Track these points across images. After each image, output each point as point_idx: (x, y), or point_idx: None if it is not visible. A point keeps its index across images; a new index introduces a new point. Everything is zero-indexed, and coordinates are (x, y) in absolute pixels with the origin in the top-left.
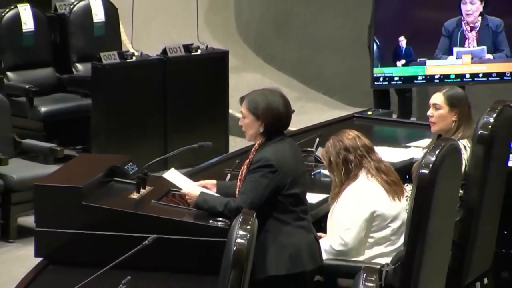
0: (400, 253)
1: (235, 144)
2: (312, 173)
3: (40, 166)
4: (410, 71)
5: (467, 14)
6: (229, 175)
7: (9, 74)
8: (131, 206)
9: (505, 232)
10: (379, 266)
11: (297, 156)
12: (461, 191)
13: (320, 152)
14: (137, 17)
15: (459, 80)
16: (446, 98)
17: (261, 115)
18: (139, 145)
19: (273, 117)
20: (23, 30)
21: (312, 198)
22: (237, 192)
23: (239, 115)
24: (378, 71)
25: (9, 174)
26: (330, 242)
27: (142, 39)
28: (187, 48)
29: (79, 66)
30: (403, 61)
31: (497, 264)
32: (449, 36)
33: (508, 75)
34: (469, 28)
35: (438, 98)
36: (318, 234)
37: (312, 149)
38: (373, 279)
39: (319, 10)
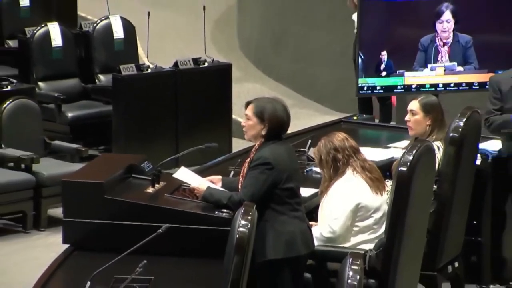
0: (382, 240)
1: (238, 145)
2: (305, 170)
3: (67, 164)
4: (390, 81)
5: (443, 31)
6: (232, 172)
7: (40, 84)
8: (146, 199)
9: (474, 222)
10: (363, 252)
11: (291, 155)
12: (435, 186)
13: (312, 151)
14: (152, 34)
15: (433, 89)
16: (421, 105)
17: (266, 119)
18: (154, 146)
19: (277, 123)
20: (52, 46)
21: (305, 192)
22: (239, 186)
23: (241, 119)
24: (362, 81)
25: (40, 171)
26: (321, 230)
27: (156, 53)
28: (196, 61)
29: (101, 77)
30: (384, 73)
31: (467, 249)
32: (425, 51)
33: (476, 84)
34: (442, 44)
35: (414, 105)
36: (310, 223)
37: (305, 149)
38: (358, 263)
39: (311, 28)
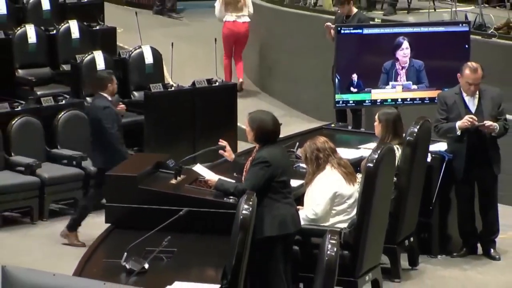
0: (353, 220)
1: (241, 147)
2: (294, 166)
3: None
4: (360, 97)
5: (404, 57)
6: (235, 174)
7: (88, 99)
8: (170, 189)
9: (425, 207)
10: (339, 229)
11: (284, 155)
12: (395, 179)
13: (299, 151)
14: (175, 60)
15: (394, 103)
16: (378, 115)
17: (254, 128)
18: (176, 147)
19: (262, 129)
20: (97, 69)
21: (294, 183)
22: (243, 179)
23: (244, 127)
24: (338, 97)
25: (88, 167)
26: (306, 213)
27: (178, 75)
28: (209, 81)
29: (135, 93)
30: (355, 90)
31: (419, 228)
32: (387, 73)
33: (427, 99)
34: (400, 67)
35: (376, 115)
36: (298, 207)
37: (293, 150)
38: (335, 238)
39: (299, 56)
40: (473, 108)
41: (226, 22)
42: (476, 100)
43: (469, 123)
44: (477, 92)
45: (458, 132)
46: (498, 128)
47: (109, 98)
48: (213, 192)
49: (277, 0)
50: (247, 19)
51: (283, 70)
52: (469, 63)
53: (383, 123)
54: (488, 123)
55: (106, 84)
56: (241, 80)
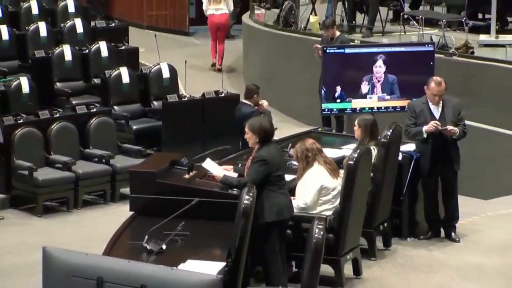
0: (337, 209)
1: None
2: (287, 163)
3: (132, 159)
4: (342, 105)
5: (377, 72)
6: (240, 164)
7: (115, 107)
8: (184, 182)
9: (396, 197)
10: (325, 216)
11: (280, 154)
12: (371, 174)
13: (291, 151)
14: (188, 75)
15: (370, 111)
16: (357, 121)
17: (256, 131)
18: (189, 147)
19: (263, 132)
20: (123, 82)
21: (287, 177)
22: (245, 174)
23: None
24: (324, 106)
25: (115, 164)
26: (297, 203)
27: (190, 87)
28: (216, 92)
29: (155, 102)
30: (338, 100)
31: (392, 215)
32: (365, 85)
33: (399, 108)
34: (376, 81)
35: (356, 121)
36: (291, 197)
37: (287, 150)
38: (322, 223)
39: (292, 72)
40: (437, 115)
41: (209, 15)
42: (440, 108)
43: (434, 127)
44: (441, 102)
45: (425, 135)
46: (458, 132)
47: (252, 106)
48: (219, 185)
49: (273, 25)
50: (225, 11)
51: (278, 83)
52: (434, 78)
53: (362, 127)
54: (449, 127)
55: (252, 94)
56: (215, 60)
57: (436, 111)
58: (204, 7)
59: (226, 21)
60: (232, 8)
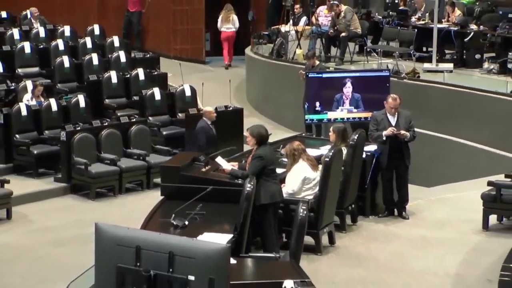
0: (316, 194)
1: (246, 148)
2: (279, 160)
3: (162, 157)
4: (321, 116)
5: (347, 92)
6: (244, 161)
7: (150, 118)
8: (202, 174)
9: (361, 185)
10: (307, 200)
11: (272, 152)
12: (342, 168)
13: (282, 151)
14: (205, 93)
15: (342, 120)
16: (332, 128)
17: (255, 135)
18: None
19: (260, 136)
20: (155, 99)
21: (279, 170)
22: (247, 168)
23: (246, 135)
24: (307, 116)
25: (149, 160)
26: (286, 189)
27: (206, 103)
28: (226, 107)
29: (179, 114)
30: (318, 112)
31: (358, 199)
32: (337, 101)
33: (363, 118)
34: (346, 98)
35: (331, 128)
36: (282, 185)
37: (279, 150)
38: (305, 205)
39: (283, 91)
40: (393, 123)
41: (221, 31)
42: (395, 118)
43: (391, 132)
44: (396, 113)
45: (384, 138)
46: (409, 136)
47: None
48: (228, 176)
49: (268, 56)
50: (233, 29)
51: (272, 100)
52: (392, 95)
53: (336, 133)
54: (402, 132)
55: None
56: (227, 63)
57: (393, 120)
58: (218, 26)
59: (233, 35)
60: (237, 26)
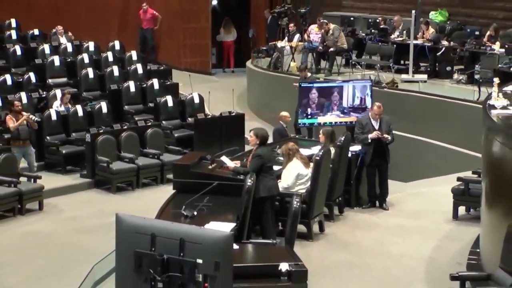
0: (308, 188)
1: (247, 148)
2: (276, 158)
3: (175, 156)
4: (312, 120)
5: (334, 99)
6: (245, 159)
7: (163, 122)
8: (208, 171)
9: (347, 180)
10: (300, 193)
11: (270, 152)
12: (331, 166)
13: (279, 150)
14: (211, 101)
15: (330, 124)
16: (322, 130)
17: (259, 137)
18: (211, 149)
19: (263, 138)
20: (168, 105)
21: (276, 168)
22: (247, 165)
23: (248, 137)
24: (300, 121)
25: (163, 159)
26: (282, 184)
27: (212, 109)
28: (229, 112)
29: (189, 119)
30: (309, 117)
31: (344, 192)
32: (327, 107)
33: (349, 122)
34: (334, 104)
35: (321, 131)
36: (278, 181)
37: (276, 150)
38: (298, 198)
39: (279, 98)
40: (376, 126)
41: (222, 41)
42: (378, 122)
43: (376, 135)
44: (379, 118)
45: (369, 140)
46: (389, 138)
47: None
48: (231, 173)
49: (266, 68)
50: (232, 39)
51: (270, 107)
52: (376, 103)
53: (325, 135)
54: (385, 136)
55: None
56: (232, 69)
57: (376, 125)
58: (220, 37)
59: (232, 45)
60: (236, 36)
